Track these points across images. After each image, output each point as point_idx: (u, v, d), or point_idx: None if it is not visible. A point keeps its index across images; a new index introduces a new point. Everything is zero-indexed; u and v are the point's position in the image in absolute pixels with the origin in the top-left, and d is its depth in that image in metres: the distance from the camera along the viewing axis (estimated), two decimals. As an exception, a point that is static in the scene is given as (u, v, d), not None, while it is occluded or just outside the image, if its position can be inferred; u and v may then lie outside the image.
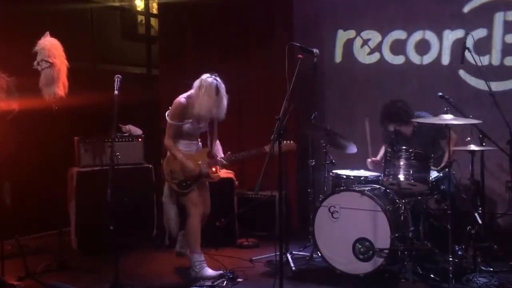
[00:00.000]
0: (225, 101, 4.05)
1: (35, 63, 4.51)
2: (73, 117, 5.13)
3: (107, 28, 6.70)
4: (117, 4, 6.92)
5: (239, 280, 4.17)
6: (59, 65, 4.54)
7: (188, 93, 4.11)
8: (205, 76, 4.05)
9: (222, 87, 4.03)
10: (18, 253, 4.36)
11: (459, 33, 5.40)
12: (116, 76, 4.00)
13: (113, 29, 6.80)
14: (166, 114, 4.17)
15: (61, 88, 4.53)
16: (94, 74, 6.03)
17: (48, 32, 4.61)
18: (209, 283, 3.99)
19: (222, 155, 4.24)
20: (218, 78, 4.05)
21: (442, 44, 5.52)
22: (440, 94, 4.27)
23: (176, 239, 4.47)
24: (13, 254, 4.45)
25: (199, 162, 4.15)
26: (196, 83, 4.06)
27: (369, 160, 4.75)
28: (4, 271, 4.12)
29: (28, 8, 5.38)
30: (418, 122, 4.52)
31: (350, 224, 4.17)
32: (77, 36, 5.80)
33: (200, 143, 4.32)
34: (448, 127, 3.94)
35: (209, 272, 4.13)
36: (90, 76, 5.86)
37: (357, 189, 4.28)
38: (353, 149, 4.79)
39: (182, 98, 4.10)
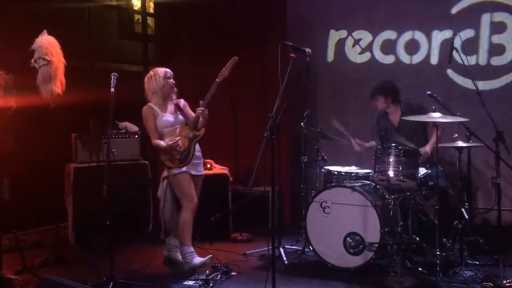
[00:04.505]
0: (169, 81, 4.33)
1: (33, 60, 4.53)
2: (70, 114, 5.16)
3: (104, 27, 6.73)
4: (114, 3, 6.95)
5: (233, 273, 4.23)
6: (56, 63, 4.56)
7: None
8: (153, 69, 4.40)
9: (161, 71, 4.35)
10: (15, 247, 4.38)
11: (447, 34, 5.50)
12: (112, 74, 4.03)
13: (110, 28, 6.83)
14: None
15: (58, 86, 4.56)
16: (91, 72, 6.07)
17: (45, 30, 4.63)
18: (203, 276, 4.03)
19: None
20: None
21: (430, 44, 5.62)
22: (429, 92, 4.36)
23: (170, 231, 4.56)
24: (11, 248, 4.49)
25: (183, 134, 4.26)
26: (145, 82, 4.37)
27: (354, 142, 4.92)
28: (2, 265, 4.16)
29: (26, 6, 5.41)
30: (403, 111, 4.67)
31: (341, 219, 4.24)
32: (74, 34, 5.83)
33: None
34: (436, 125, 4.04)
35: (198, 260, 4.19)
36: (87, 74, 5.90)
37: (348, 185, 4.36)
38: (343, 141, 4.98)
39: (145, 106, 4.36)
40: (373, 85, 4.86)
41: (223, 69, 4.31)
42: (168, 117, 4.30)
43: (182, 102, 4.47)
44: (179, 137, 4.20)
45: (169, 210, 4.52)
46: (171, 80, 4.35)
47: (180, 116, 4.34)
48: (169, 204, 4.50)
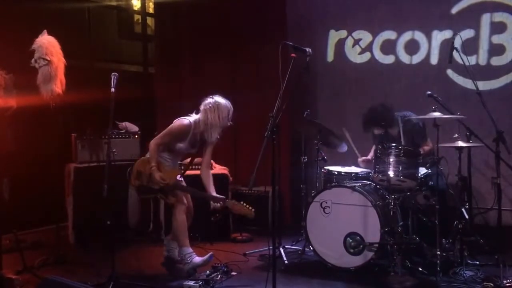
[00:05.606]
0: (227, 122, 4.19)
1: (33, 60, 4.54)
2: (70, 114, 5.17)
3: (104, 27, 6.76)
4: (114, 3, 6.98)
5: (233, 273, 4.21)
6: (57, 62, 4.57)
7: (195, 117, 4.20)
8: (216, 99, 4.15)
9: (225, 109, 4.16)
10: (15, 247, 4.38)
11: (447, 34, 5.51)
12: (112, 74, 4.01)
13: (110, 28, 6.86)
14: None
15: (58, 86, 4.57)
16: (91, 72, 6.09)
17: (45, 30, 4.64)
18: (203, 276, 4.02)
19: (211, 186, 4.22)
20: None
21: (430, 44, 5.63)
22: (429, 92, 4.36)
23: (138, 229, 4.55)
24: (11, 248, 4.48)
25: (169, 177, 4.17)
26: (208, 105, 4.14)
27: (360, 159, 4.83)
28: (2, 265, 4.15)
29: (26, 6, 5.41)
30: (403, 122, 4.56)
31: (341, 219, 4.25)
32: (74, 34, 5.84)
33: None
34: (437, 124, 4.04)
35: (199, 259, 4.17)
36: (87, 74, 5.92)
37: (348, 185, 4.36)
38: (343, 148, 4.90)
39: (187, 120, 4.19)
40: (363, 118, 4.64)
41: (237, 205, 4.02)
42: (185, 146, 4.24)
43: (213, 138, 4.24)
44: (168, 182, 4.12)
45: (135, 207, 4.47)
46: (229, 122, 4.20)
47: (191, 148, 4.25)
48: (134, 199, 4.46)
